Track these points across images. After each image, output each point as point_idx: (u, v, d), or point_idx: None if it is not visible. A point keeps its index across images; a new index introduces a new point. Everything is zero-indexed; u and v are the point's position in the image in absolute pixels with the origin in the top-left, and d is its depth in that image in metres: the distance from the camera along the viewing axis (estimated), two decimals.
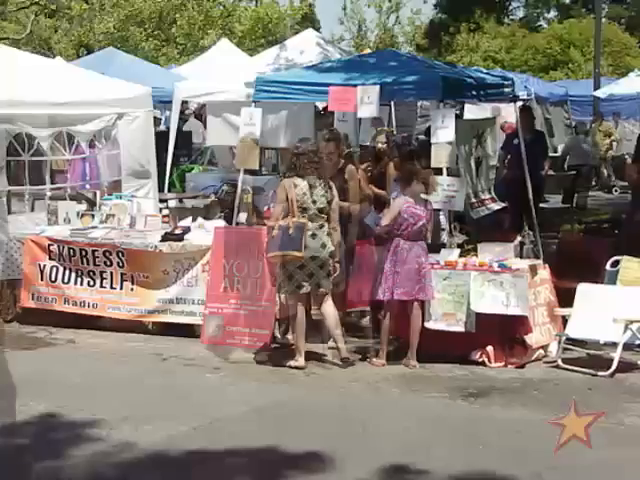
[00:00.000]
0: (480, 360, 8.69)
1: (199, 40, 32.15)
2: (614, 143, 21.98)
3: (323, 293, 8.77)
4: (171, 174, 15.78)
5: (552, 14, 47.92)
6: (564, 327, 8.89)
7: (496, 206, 11.34)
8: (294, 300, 8.77)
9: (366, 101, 10.16)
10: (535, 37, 42.49)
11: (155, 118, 14.76)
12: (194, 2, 32.56)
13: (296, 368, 8.62)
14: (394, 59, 11.84)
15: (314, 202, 8.66)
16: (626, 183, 19.16)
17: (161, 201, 12.33)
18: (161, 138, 14.12)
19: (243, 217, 10.90)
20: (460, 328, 8.64)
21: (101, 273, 10.18)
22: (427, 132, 12.92)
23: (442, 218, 10.90)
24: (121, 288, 10.12)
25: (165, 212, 11.07)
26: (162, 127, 18.10)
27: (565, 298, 9.10)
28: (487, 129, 11.96)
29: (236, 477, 6.26)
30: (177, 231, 10.21)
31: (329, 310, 8.80)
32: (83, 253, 10.22)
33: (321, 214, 8.71)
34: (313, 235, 8.64)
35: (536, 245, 9.87)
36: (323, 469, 6.23)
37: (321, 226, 8.71)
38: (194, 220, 10.58)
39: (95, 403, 7.60)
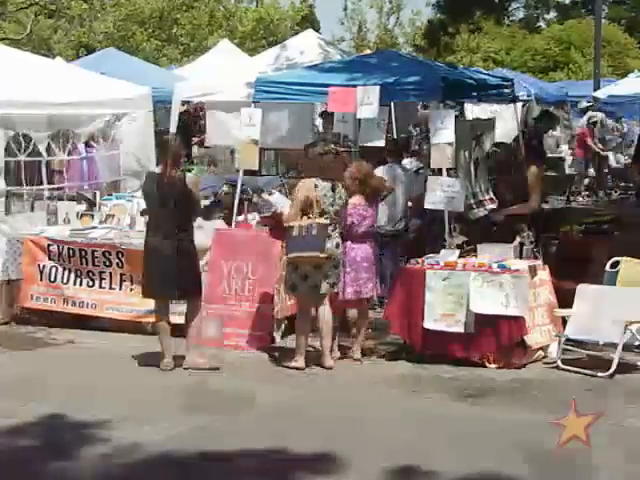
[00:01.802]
0: (480, 361, 8.68)
1: (202, 40, 32.15)
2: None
3: (332, 293, 8.76)
4: None
5: (552, 15, 47.93)
6: (564, 328, 8.88)
7: (493, 206, 11.31)
8: (307, 301, 8.72)
9: (366, 102, 10.18)
10: (535, 38, 42.53)
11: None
12: (200, 2, 32.59)
13: (295, 369, 8.61)
14: (394, 60, 11.88)
15: (332, 204, 8.63)
16: (625, 184, 19.21)
17: None
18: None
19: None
20: (459, 329, 8.64)
21: (100, 273, 10.17)
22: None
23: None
24: (120, 288, 10.11)
25: None
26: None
27: (565, 299, 9.09)
28: (486, 130, 11.96)
29: (236, 477, 6.26)
30: None
31: (328, 313, 8.77)
32: (82, 253, 10.21)
33: (336, 216, 8.67)
34: (329, 236, 8.60)
35: (536, 246, 9.87)
36: (322, 470, 6.22)
37: (335, 227, 8.69)
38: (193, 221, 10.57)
39: (94, 404, 7.59)
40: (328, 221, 8.54)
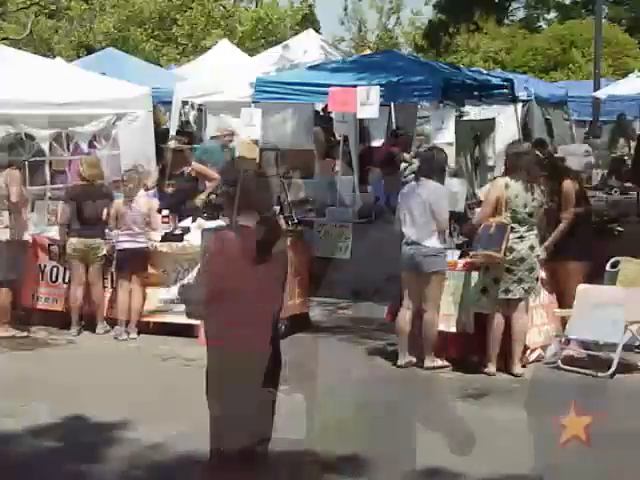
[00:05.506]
0: (479, 361, 8.68)
1: (200, 41, 32.17)
2: None
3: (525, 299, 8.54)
4: None
5: (552, 15, 47.88)
6: (564, 328, 8.88)
7: None
8: (493, 307, 8.49)
9: (366, 102, 10.19)
10: (535, 38, 42.49)
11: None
12: (197, 3, 32.60)
13: (486, 374, 8.46)
14: (395, 60, 11.91)
15: (525, 205, 8.41)
16: (624, 183, 19.21)
17: None
18: (161, 138, 14.12)
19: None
20: (459, 329, 8.64)
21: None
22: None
23: None
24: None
25: (165, 212, 11.06)
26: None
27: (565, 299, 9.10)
28: (486, 131, 11.99)
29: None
30: (177, 231, 10.21)
31: (521, 320, 8.52)
32: None
33: (530, 218, 8.45)
34: (521, 237, 8.41)
35: None
36: (323, 470, 6.23)
37: (529, 229, 8.47)
38: (194, 220, 10.58)
39: (95, 404, 7.58)
40: (508, 221, 8.33)
